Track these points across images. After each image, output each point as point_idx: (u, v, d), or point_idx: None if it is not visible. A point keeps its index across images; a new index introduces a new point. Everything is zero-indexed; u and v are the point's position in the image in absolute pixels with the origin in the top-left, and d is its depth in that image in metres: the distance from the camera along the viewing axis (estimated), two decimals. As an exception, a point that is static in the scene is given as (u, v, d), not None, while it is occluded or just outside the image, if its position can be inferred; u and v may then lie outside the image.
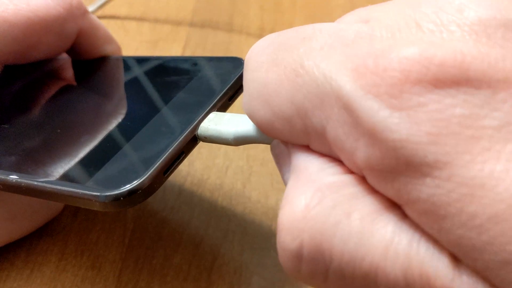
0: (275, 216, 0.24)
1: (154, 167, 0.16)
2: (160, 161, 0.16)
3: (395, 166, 0.11)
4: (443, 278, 0.11)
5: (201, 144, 0.28)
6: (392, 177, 0.11)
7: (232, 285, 0.22)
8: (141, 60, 0.24)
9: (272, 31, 0.36)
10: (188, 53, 0.34)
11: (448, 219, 0.10)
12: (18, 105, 0.24)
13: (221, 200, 0.25)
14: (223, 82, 0.19)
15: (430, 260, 0.11)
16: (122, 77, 0.24)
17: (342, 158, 0.12)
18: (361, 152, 0.11)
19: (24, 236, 0.23)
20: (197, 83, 0.20)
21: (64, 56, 0.26)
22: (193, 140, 0.17)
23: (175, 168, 0.17)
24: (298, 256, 0.12)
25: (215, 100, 0.18)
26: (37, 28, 0.22)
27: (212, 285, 0.22)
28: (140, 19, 0.38)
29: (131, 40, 0.36)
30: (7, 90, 0.24)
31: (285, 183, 0.14)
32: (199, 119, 0.17)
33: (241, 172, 0.26)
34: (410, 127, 0.11)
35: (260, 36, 0.36)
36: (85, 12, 0.24)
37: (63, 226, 0.24)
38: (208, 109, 0.18)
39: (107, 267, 0.22)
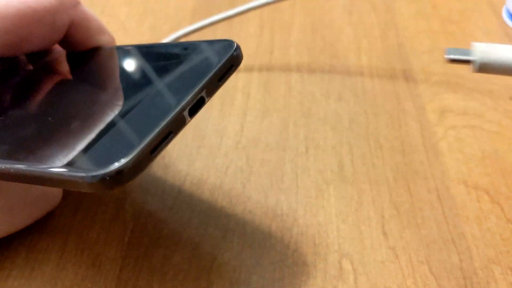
0: (274, 216, 0.24)
1: (141, 146, 0.16)
2: (147, 140, 0.16)
3: None
4: None
5: (200, 143, 0.28)
6: None
7: (231, 284, 0.22)
8: (133, 48, 0.24)
9: (271, 30, 0.36)
10: (188, 53, 0.35)
11: None
12: (11, 96, 0.24)
13: (221, 200, 0.25)
14: (213, 63, 0.19)
15: None
16: (113, 64, 0.24)
17: None
18: None
19: (25, 235, 0.24)
20: (188, 65, 0.20)
21: (58, 48, 0.26)
22: (181, 120, 0.17)
23: (163, 148, 0.17)
24: None
25: (204, 81, 0.18)
26: (29, 20, 0.22)
27: (212, 285, 0.22)
28: (140, 19, 0.38)
29: (131, 39, 0.36)
30: (1, 81, 0.25)
31: None
32: (187, 100, 0.18)
33: (241, 172, 0.26)
34: None
35: (259, 36, 0.36)
36: (76, 3, 0.24)
37: (63, 224, 0.24)
38: (196, 90, 0.18)
39: (107, 265, 0.23)
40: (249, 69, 0.33)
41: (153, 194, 0.26)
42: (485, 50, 0.18)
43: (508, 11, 0.36)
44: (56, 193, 0.24)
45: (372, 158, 0.27)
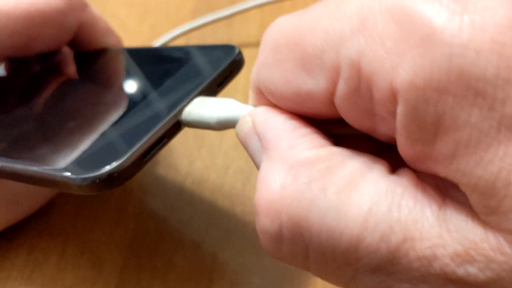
0: (275, 215, 0.24)
1: (133, 150, 0.16)
2: (139, 144, 0.16)
3: (444, 81, 0.10)
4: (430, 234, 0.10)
5: (201, 143, 0.28)
6: (436, 97, 0.10)
7: (232, 284, 0.22)
8: (136, 50, 0.24)
9: (272, 30, 0.36)
10: (188, 53, 0.35)
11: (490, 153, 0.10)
12: (17, 96, 0.24)
13: (222, 200, 0.25)
14: (213, 68, 0.19)
15: (414, 223, 0.10)
16: (116, 66, 0.24)
17: (373, 85, 0.11)
18: (405, 68, 0.10)
19: (25, 236, 0.24)
20: (188, 70, 0.20)
21: (65, 48, 0.26)
22: (176, 125, 0.17)
23: (156, 153, 0.17)
24: (279, 238, 0.12)
25: (202, 86, 0.18)
26: (38, 21, 0.22)
27: (213, 285, 0.22)
28: (140, 19, 0.38)
29: (131, 39, 0.36)
30: (9, 82, 0.25)
31: (257, 166, 0.14)
32: (183, 104, 0.17)
33: (241, 172, 0.26)
34: (473, 33, 0.09)
35: (259, 36, 0.36)
36: (85, 5, 0.24)
37: (63, 225, 0.24)
38: (194, 94, 0.18)
39: (108, 267, 0.22)
40: (250, 69, 0.33)
41: (154, 194, 0.26)
42: (192, 107, 0.18)
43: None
44: None
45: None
